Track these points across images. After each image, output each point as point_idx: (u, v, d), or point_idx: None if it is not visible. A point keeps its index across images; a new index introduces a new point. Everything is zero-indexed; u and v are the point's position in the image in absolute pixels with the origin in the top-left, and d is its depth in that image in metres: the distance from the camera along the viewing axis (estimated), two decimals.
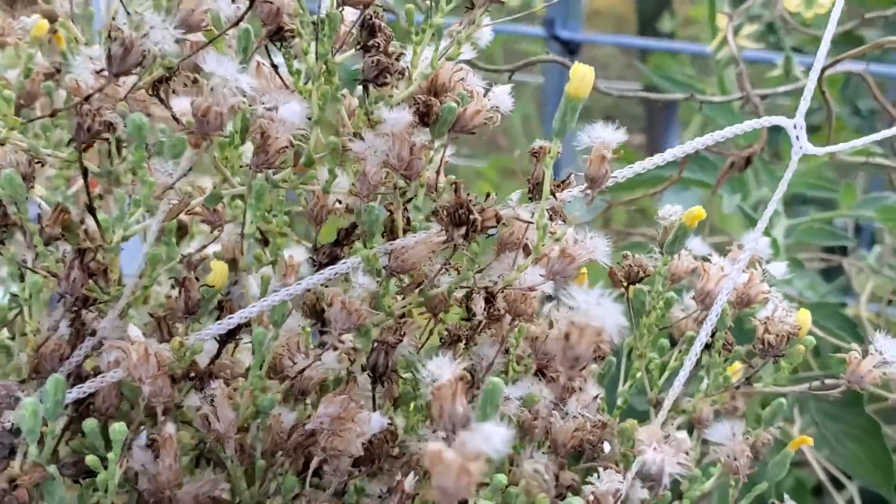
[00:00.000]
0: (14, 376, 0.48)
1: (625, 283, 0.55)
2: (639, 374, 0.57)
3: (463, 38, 0.45)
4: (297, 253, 0.57)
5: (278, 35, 0.47)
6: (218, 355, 0.48)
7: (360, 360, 0.52)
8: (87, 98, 0.37)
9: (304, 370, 0.46)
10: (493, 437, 0.28)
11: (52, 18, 0.55)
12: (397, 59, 0.43)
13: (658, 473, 0.36)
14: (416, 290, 0.46)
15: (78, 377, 0.45)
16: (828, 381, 0.60)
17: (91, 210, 0.41)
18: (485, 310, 0.44)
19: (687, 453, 0.38)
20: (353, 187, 0.45)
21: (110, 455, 0.40)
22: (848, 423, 0.86)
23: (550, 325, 0.48)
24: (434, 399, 0.37)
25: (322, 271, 0.45)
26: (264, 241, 0.55)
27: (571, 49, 1.75)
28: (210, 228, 0.49)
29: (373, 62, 0.43)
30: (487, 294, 0.44)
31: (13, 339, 0.50)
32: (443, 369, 0.36)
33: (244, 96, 0.37)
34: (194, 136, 0.37)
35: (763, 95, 0.77)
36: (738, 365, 0.58)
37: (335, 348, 0.50)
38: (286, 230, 0.51)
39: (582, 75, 0.41)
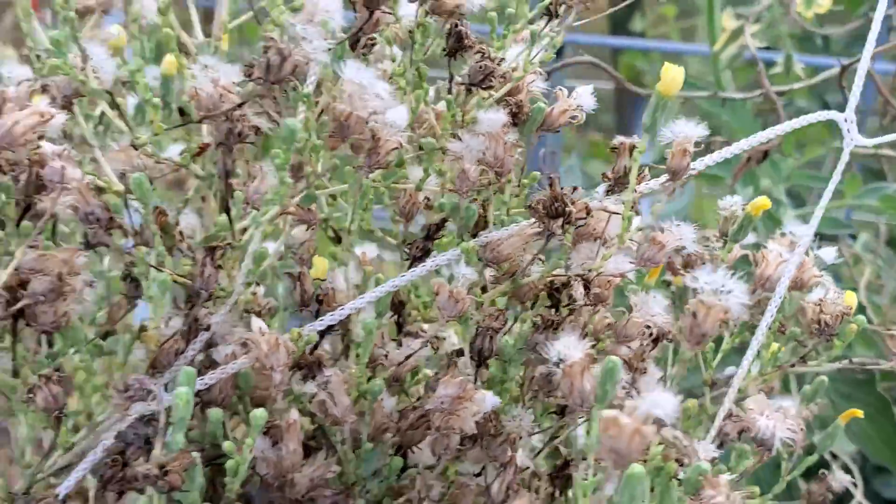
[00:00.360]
0: (118, 372, 0.50)
1: (683, 271, 0.58)
2: (687, 356, 0.61)
3: (557, 43, 0.48)
4: (368, 249, 0.59)
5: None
6: (316, 346, 0.51)
7: (443, 348, 0.55)
8: (241, 104, 0.39)
9: (410, 356, 0.49)
10: (662, 402, 0.31)
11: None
12: (499, 64, 0.46)
13: (770, 439, 0.40)
14: (510, 280, 0.49)
15: None
16: (855, 360, 0.65)
17: (226, 210, 0.43)
18: (585, 296, 0.47)
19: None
20: (451, 184, 0.48)
21: (248, 440, 0.43)
22: (860, 402, 0.91)
23: (630, 310, 0.51)
24: (565, 376, 0.40)
25: (426, 262, 0.48)
26: (337, 239, 0.57)
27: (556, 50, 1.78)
28: (305, 227, 0.52)
29: (480, 67, 0.45)
30: (585, 282, 0.47)
31: (104, 338, 0.53)
32: (571, 349, 0.39)
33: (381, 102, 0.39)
34: (333, 140, 0.40)
35: (780, 92, 0.81)
36: (782, 346, 0.62)
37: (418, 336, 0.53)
38: (374, 227, 0.54)
39: (672, 76, 0.45)
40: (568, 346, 0.39)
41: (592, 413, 0.41)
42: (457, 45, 0.50)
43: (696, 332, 0.38)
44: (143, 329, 0.49)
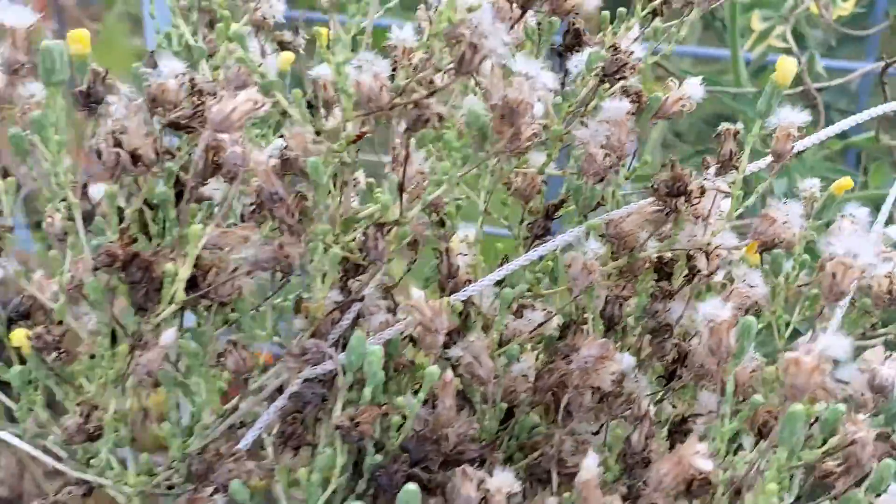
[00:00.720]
0: (265, 342, 0.55)
1: (760, 249, 0.64)
2: (752, 331, 0.66)
3: (680, 37, 0.53)
4: (469, 232, 0.64)
5: None
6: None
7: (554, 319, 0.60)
8: (431, 93, 0.44)
9: (542, 324, 0.54)
10: (835, 344, 0.36)
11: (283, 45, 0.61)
12: (629, 57, 0.51)
13: (890, 384, 0.45)
14: (628, 254, 0.54)
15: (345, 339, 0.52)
16: None
17: (401, 189, 0.48)
18: (707, 267, 0.52)
19: None
20: (582, 167, 0.53)
21: (419, 395, 0.47)
22: None
23: (732, 281, 0.57)
24: (713, 333, 0.45)
25: (555, 239, 0.53)
26: (440, 223, 0.62)
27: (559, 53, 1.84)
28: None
29: (615, 59, 0.50)
30: (706, 254, 0.52)
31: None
32: (720, 310, 0.45)
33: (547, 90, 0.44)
34: (499, 124, 0.45)
35: (819, 88, 0.87)
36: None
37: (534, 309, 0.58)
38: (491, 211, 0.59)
39: (787, 67, 0.50)
40: (716, 308, 0.44)
41: (729, 366, 0.46)
42: (574, 42, 0.55)
43: (834, 291, 0.43)
44: (299, 301, 0.53)
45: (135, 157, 0.45)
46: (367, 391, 0.46)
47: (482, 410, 0.53)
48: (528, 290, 0.59)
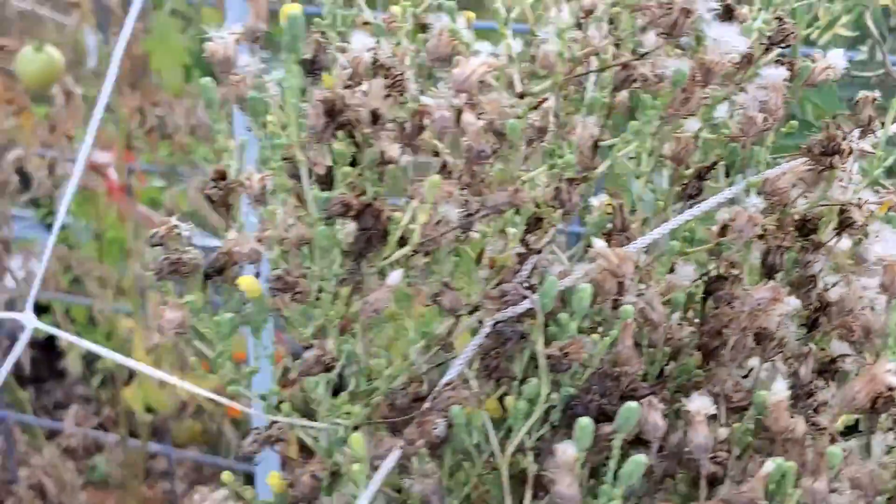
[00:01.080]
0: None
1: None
2: None
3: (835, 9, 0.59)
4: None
5: None
6: None
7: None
8: (642, 56, 0.49)
9: (702, 276, 0.59)
10: None
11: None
12: (793, 27, 0.56)
13: None
14: (781, 209, 0.59)
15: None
16: None
17: (595, 146, 0.53)
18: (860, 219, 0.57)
19: None
20: (742, 129, 0.58)
21: (613, 333, 0.52)
22: None
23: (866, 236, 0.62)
24: (886, 272, 0.50)
25: (717, 195, 0.58)
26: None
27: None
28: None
29: (781, 29, 0.56)
30: (858, 207, 0.57)
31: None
32: (892, 251, 0.50)
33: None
34: (691, 84, 0.50)
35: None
36: None
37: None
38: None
39: None
40: (888, 249, 0.50)
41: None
42: (727, 16, 0.60)
43: None
44: (480, 252, 0.58)
45: (375, 117, 0.50)
46: (574, 325, 0.51)
47: (649, 354, 0.58)
48: None
